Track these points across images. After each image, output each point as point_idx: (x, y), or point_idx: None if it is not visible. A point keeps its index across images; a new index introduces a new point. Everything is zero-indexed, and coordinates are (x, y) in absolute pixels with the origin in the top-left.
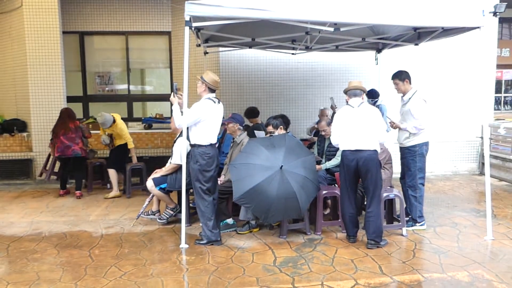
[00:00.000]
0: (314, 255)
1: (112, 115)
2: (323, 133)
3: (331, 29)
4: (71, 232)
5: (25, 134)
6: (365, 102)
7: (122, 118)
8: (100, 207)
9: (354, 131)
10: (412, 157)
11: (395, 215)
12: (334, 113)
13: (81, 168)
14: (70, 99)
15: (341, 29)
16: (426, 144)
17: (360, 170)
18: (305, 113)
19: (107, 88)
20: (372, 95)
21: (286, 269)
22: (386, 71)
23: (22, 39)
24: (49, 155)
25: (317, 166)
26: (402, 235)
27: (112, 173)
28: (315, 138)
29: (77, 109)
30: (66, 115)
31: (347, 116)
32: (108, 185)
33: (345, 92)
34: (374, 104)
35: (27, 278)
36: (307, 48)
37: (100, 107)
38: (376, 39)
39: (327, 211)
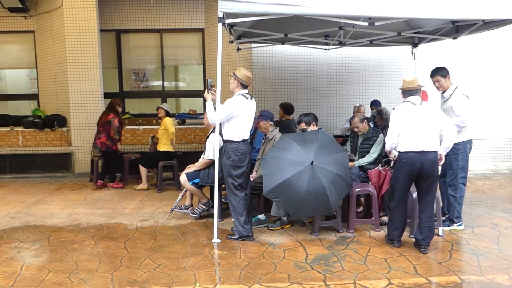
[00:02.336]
0: (346, 253)
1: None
2: (356, 129)
3: (366, 24)
4: (107, 224)
5: (65, 129)
6: (424, 101)
7: (156, 114)
8: (135, 200)
9: (420, 130)
10: (455, 155)
11: None
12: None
13: (111, 161)
14: (107, 95)
15: (376, 24)
16: (469, 142)
17: (424, 173)
18: (338, 110)
19: (142, 85)
20: (376, 104)
21: (317, 267)
22: (423, 66)
23: (62, 37)
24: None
25: (350, 163)
26: (438, 235)
27: (142, 167)
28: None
29: None
30: (107, 107)
31: (410, 114)
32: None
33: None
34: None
35: (66, 267)
36: (341, 43)
37: (135, 103)
38: (412, 33)
39: (360, 209)
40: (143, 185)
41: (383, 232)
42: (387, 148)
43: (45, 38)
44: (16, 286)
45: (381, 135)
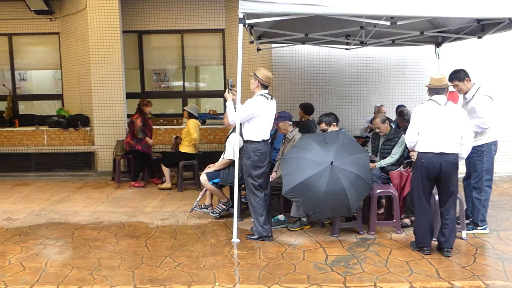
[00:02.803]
0: (367, 255)
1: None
2: (377, 130)
3: (387, 23)
4: (129, 222)
5: (88, 128)
6: (450, 102)
7: (177, 114)
8: (156, 199)
9: (441, 131)
10: (479, 157)
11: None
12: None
13: (134, 160)
14: (129, 95)
15: (398, 23)
16: (494, 143)
17: (443, 175)
18: (359, 110)
19: (163, 85)
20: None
21: (337, 268)
22: (446, 66)
23: (86, 39)
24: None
25: (371, 165)
26: (461, 238)
27: (165, 167)
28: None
29: (135, 105)
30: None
31: (432, 114)
32: (164, 178)
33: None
34: None
35: (89, 264)
36: (362, 43)
37: (156, 104)
38: (436, 32)
39: (381, 210)
40: (167, 184)
41: (404, 234)
42: (408, 146)
43: (69, 40)
44: (41, 281)
45: (403, 136)
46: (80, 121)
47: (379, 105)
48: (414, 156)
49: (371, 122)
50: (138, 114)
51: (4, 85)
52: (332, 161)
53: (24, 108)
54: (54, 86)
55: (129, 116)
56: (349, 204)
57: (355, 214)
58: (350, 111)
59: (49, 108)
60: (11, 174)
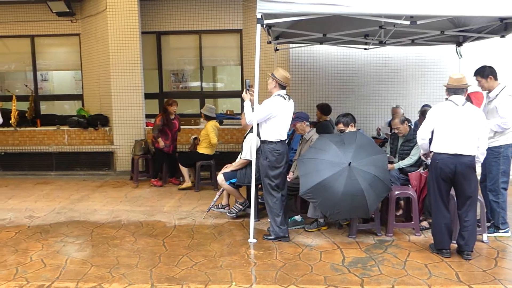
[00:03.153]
0: (384, 257)
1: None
2: (396, 131)
3: (407, 23)
4: (147, 221)
5: (107, 128)
6: (468, 102)
7: (194, 114)
8: (174, 199)
9: (457, 132)
10: (496, 159)
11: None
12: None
13: (154, 158)
14: (147, 95)
15: (418, 22)
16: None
17: (458, 177)
18: (377, 110)
19: (181, 85)
20: None
21: (355, 270)
22: (468, 66)
23: (105, 40)
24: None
25: (390, 166)
26: (482, 241)
27: (183, 167)
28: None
29: (154, 105)
30: None
31: (449, 114)
32: (181, 178)
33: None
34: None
35: (108, 262)
36: (381, 43)
37: None
38: (457, 31)
39: (400, 212)
40: (187, 183)
41: (423, 236)
42: (418, 142)
43: (89, 41)
44: (61, 278)
45: None
46: (100, 121)
47: (395, 106)
48: (428, 159)
49: (389, 123)
50: (161, 113)
51: (26, 86)
52: (350, 162)
53: (45, 108)
54: (74, 87)
55: (147, 116)
56: (367, 206)
57: (373, 216)
58: (368, 111)
59: (69, 108)
60: (32, 173)
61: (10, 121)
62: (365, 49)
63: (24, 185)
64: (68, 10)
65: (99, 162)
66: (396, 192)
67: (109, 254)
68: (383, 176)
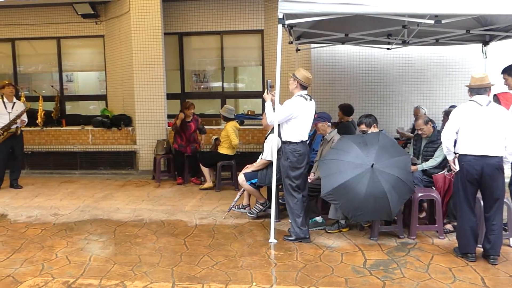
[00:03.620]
0: (407, 260)
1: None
2: (419, 132)
3: (432, 22)
4: (168, 220)
5: (130, 128)
6: (493, 101)
7: (215, 115)
8: (195, 198)
9: (482, 133)
10: None
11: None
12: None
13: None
14: (169, 96)
15: (443, 21)
16: None
17: (485, 179)
18: (400, 111)
19: (202, 86)
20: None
21: (376, 272)
22: (494, 66)
23: (129, 41)
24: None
25: (413, 167)
26: (509, 245)
27: (204, 167)
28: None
29: (175, 105)
30: None
31: (473, 115)
32: (202, 178)
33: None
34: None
35: (130, 260)
36: (404, 43)
37: (196, 104)
38: (483, 30)
39: (423, 214)
40: (208, 183)
41: (447, 240)
42: (444, 143)
43: (113, 42)
44: (85, 275)
45: None
46: (123, 121)
47: (416, 107)
48: (454, 167)
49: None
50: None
51: (52, 86)
52: (373, 164)
53: (70, 108)
54: (98, 87)
55: (169, 116)
56: (390, 208)
57: (395, 218)
58: (390, 112)
59: (93, 108)
60: (58, 172)
61: (37, 121)
62: (387, 49)
63: (50, 183)
64: (93, 12)
65: (122, 162)
66: (420, 194)
67: (132, 252)
68: (406, 178)
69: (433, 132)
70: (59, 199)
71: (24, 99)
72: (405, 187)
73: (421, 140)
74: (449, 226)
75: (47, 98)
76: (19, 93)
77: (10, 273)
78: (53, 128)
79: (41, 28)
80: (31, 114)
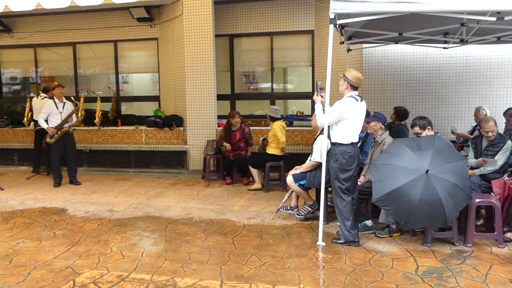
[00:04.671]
0: (463, 269)
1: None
2: (489, 134)
3: (493, 19)
4: (217, 219)
5: (181, 128)
6: None
7: (264, 116)
8: (243, 198)
9: None
10: None
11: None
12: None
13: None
14: (219, 97)
15: (505, 18)
16: None
17: None
18: (457, 113)
19: (252, 87)
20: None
21: (429, 280)
22: None
23: (181, 43)
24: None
25: (470, 171)
26: None
27: (253, 168)
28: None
29: (225, 106)
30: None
31: None
32: (251, 179)
33: None
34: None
35: (180, 257)
36: (462, 41)
37: (245, 105)
38: None
39: (480, 221)
40: (257, 184)
41: (507, 249)
42: None
43: (166, 45)
44: (138, 270)
45: (509, 141)
46: (175, 121)
47: (477, 107)
48: None
49: (475, 128)
50: (225, 125)
51: (109, 88)
52: (428, 169)
53: (125, 108)
54: (152, 88)
55: (219, 117)
56: (445, 215)
57: (451, 224)
58: (447, 114)
59: (147, 109)
60: (113, 169)
61: (95, 121)
62: (444, 48)
63: (106, 180)
64: (147, 16)
65: (173, 161)
66: (477, 200)
67: (182, 250)
68: (463, 185)
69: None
70: (114, 196)
71: (73, 99)
72: (462, 194)
73: (481, 143)
74: (509, 235)
75: (104, 99)
76: (79, 94)
77: (69, 265)
78: (109, 128)
79: (100, 32)
80: (89, 115)
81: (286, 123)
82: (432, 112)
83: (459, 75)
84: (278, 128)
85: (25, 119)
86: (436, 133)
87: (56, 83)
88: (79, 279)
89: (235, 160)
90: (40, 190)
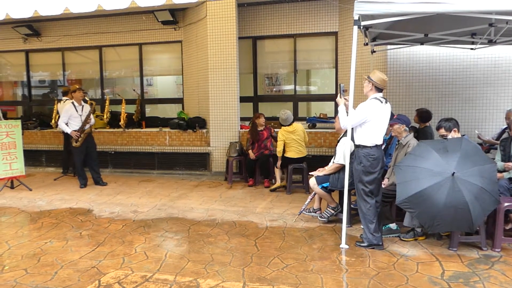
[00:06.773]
0: (490, 274)
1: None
2: None
3: None
4: (239, 221)
5: (204, 130)
6: None
7: None
8: (266, 200)
9: None
10: None
11: None
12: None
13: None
14: (242, 99)
15: None
16: None
17: None
18: (485, 115)
19: (274, 89)
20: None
21: (455, 285)
22: None
23: (205, 45)
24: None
25: (499, 175)
26: None
27: (277, 168)
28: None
29: (248, 108)
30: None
31: None
32: (273, 180)
33: None
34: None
35: (203, 258)
36: (490, 42)
37: (268, 107)
38: None
39: (509, 226)
40: (277, 183)
41: None
42: None
43: (190, 47)
44: (161, 270)
45: None
46: (198, 123)
47: (509, 109)
48: None
49: (504, 131)
50: (249, 127)
51: (134, 90)
52: (454, 172)
53: (150, 111)
54: (175, 91)
55: (242, 119)
56: (472, 219)
57: (478, 228)
58: (474, 116)
59: (170, 111)
60: (137, 171)
61: (120, 123)
62: (471, 49)
63: (130, 182)
64: (172, 19)
65: (196, 163)
66: (506, 204)
67: (204, 251)
68: (491, 189)
69: None
70: (139, 197)
71: (89, 101)
72: (490, 198)
73: (510, 145)
74: None
75: (129, 101)
76: (105, 96)
77: (95, 265)
78: (134, 130)
79: (125, 35)
80: (114, 117)
81: (309, 125)
82: (459, 115)
83: (486, 77)
84: (280, 134)
85: (53, 121)
86: (463, 135)
87: (77, 86)
88: (104, 279)
89: (258, 159)
90: (67, 191)
